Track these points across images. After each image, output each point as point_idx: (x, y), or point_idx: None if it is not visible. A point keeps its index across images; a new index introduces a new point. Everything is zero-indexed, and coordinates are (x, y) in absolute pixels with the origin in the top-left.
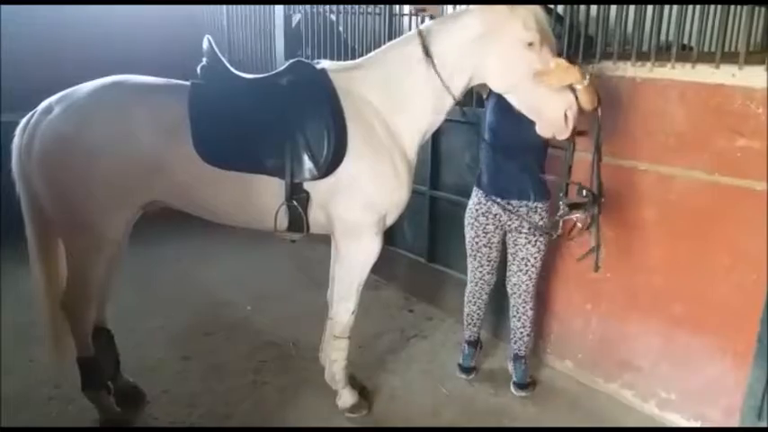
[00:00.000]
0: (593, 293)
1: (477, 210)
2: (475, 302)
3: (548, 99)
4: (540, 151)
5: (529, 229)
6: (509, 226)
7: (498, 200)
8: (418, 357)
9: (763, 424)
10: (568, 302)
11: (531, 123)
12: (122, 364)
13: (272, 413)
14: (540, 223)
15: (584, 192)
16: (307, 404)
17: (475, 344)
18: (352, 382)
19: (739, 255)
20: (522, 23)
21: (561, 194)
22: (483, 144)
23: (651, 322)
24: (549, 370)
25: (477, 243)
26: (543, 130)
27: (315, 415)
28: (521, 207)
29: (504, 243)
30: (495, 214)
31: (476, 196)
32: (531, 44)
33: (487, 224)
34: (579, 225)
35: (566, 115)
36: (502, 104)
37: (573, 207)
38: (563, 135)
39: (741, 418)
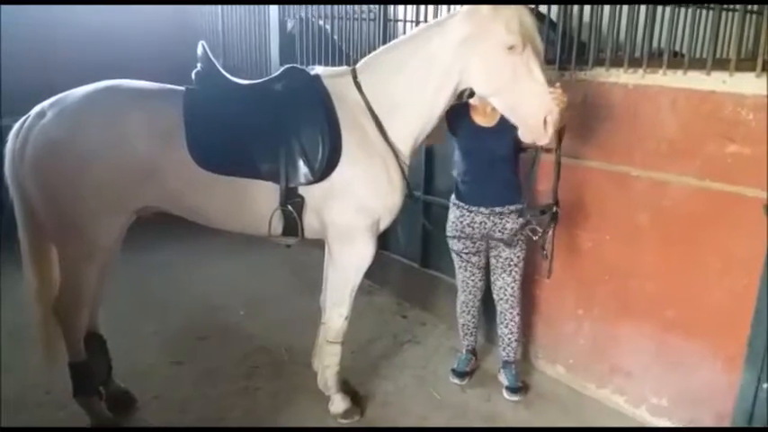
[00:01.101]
0: (585, 298)
1: (460, 222)
2: (469, 311)
3: (528, 104)
4: (512, 160)
5: (510, 230)
6: (493, 231)
7: (482, 209)
8: (411, 363)
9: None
10: (560, 307)
11: (500, 139)
12: (114, 369)
13: (265, 418)
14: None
15: (554, 208)
16: (299, 409)
17: (473, 351)
18: (345, 387)
19: (730, 260)
20: (505, 26)
21: (523, 206)
22: (458, 163)
23: (643, 327)
24: (540, 375)
25: (466, 254)
26: (524, 134)
27: (307, 420)
28: (503, 211)
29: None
30: (480, 222)
31: (457, 209)
32: (511, 48)
33: (474, 234)
34: (534, 237)
35: (545, 120)
36: (470, 127)
37: (535, 218)
38: (543, 140)
39: (732, 423)
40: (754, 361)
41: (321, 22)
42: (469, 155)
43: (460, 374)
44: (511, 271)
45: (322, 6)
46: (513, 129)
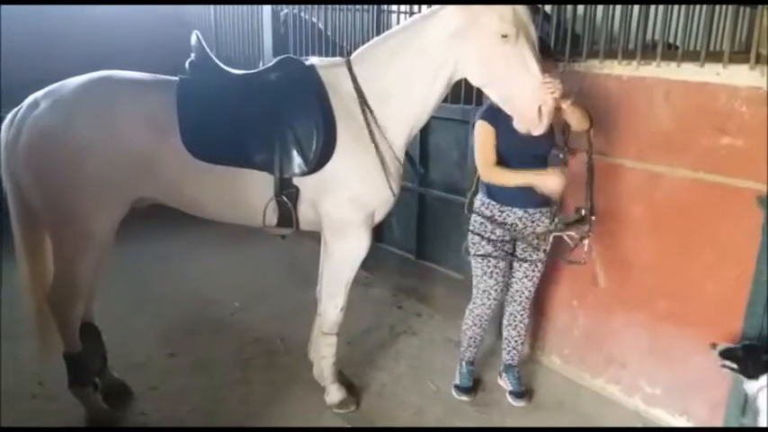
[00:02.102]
0: (580, 289)
1: (491, 223)
2: (481, 325)
3: (521, 93)
4: (546, 159)
5: (540, 235)
6: (522, 233)
7: (515, 209)
8: (407, 353)
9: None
10: (555, 298)
11: (538, 139)
12: (109, 360)
13: (260, 409)
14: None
15: (582, 211)
16: (294, 400)
17: (473, 362)
18: (341, 378)
19: (724, 251)
20: (499, 15)
21: (555, 209)
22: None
23: (637, 318)
24: (535, 365)
25: (495, 259)
26: (518, 124)
27: (302, 411)
28: (535, 213)
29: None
30: (512, 224)
31: (487, 209)
32: (505, 36)
33: (504, 236)
34: (570, 243)
35: (540, 110)
36: (509, 127)
37: (567, 225)
38: (537, 130)
39: (725, 413)
40: None
41: (314, 19)
42: (506, 155)
43: (467, 390)
44: (533, 277)
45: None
46: (551, 129)
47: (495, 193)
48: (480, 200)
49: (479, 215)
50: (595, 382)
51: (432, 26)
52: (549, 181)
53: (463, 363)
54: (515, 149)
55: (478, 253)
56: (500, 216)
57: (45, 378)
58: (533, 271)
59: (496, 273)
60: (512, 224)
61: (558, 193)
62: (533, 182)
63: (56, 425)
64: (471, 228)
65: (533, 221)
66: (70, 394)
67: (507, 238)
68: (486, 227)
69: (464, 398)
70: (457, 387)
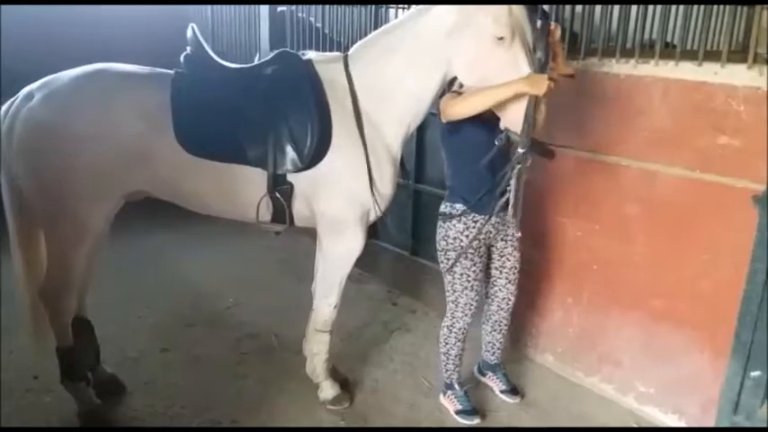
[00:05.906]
0: (575, 287)
1: (467, 236)
2: (464, 339)
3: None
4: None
5: (513, 235)
6: (496, 239)
7: (493, 217)
8: (401, 350)
9: (739, 417)
10: (549, 296)
11: (491, 127)
12: (102, 354)
13: (254, 405)
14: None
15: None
16: (288, 396)
17: (463, 381)
18: (334, 374)
19: (718, 250)
20: (493, 17)
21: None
22: (462, 163)
23: (631, 316)
24: (529, 363)
25: (474, 272)
26: (507, 124)
27: (296, 407)
28: (506, 215)
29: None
30: (487, 232)
31: (461, 223)
32: (501, 39)
33: (481, 247)
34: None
35: (526, 114)
36: (471, 119)
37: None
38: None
39: (718, 412)
40: (741, 350)
41: (312, 18)
42: (476, 147)
43: (473, 412)
44: (514, 280)
45: None
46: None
47: (470, 200)
48: (448, 211)
49: (453, 229)
50: (589, 380)
51: (425, 23)
52: (532, 81)
53: (455, 385)
54: (482, 141)
55: (455, 271)
56: (474, 227)
57: (39, 372)
58: (514, 274)
59: (477, 285)
60: (486, 233)
61: (543, 92)
62: (514, 89)
63: (49, 419)
64: (444, 243)
65: (504, 225)
66: (64, 389)
67: (484, 248)
68: (459, 242)
69: (476, 421)
70: (462, 412)
